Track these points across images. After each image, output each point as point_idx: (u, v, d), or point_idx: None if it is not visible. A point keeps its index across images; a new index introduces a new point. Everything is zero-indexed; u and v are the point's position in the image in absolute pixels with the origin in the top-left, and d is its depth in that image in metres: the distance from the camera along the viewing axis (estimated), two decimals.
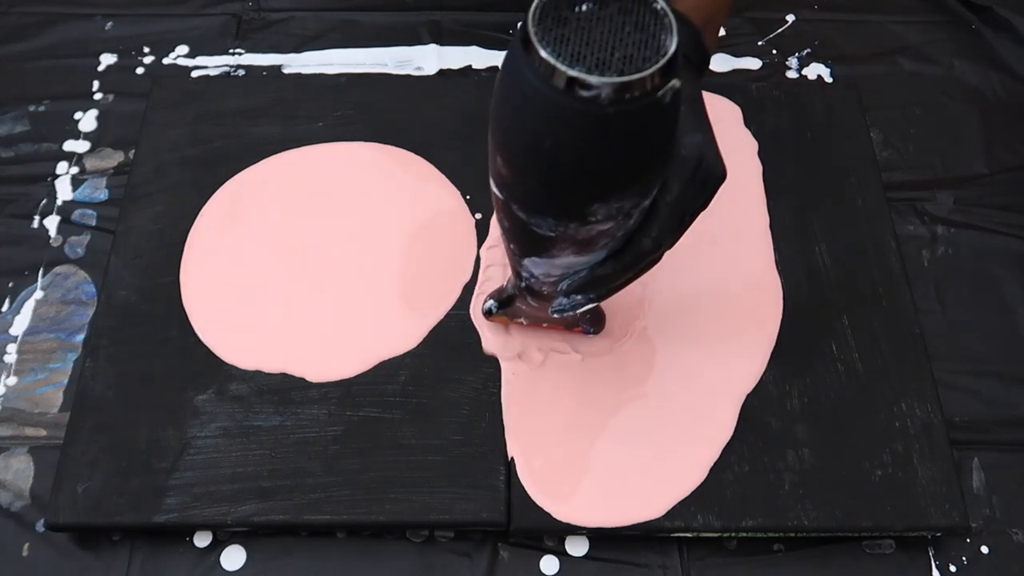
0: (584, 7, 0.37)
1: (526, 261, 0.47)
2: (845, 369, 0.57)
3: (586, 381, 0.56)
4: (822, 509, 0.53)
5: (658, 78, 0.36)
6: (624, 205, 0.41)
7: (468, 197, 0.64)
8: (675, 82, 0.37)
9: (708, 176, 0.44)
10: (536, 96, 0.37)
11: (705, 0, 0.47)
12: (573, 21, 0.37)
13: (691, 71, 0.46)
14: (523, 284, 0.51)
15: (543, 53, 0.36)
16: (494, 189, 0.43)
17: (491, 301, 0.56)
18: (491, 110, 0.40)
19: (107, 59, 0.74)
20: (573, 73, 0.35)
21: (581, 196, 0.40)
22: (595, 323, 0.58)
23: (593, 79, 0.35)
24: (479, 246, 0.62)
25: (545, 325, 0.58)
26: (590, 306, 0.49)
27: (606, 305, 0.57)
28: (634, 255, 0.45)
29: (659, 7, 0.37)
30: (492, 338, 0.58)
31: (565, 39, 0.36)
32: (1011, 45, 0.76)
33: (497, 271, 0.60)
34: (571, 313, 0.50)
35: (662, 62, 0.36)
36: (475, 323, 0.58)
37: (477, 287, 0.60)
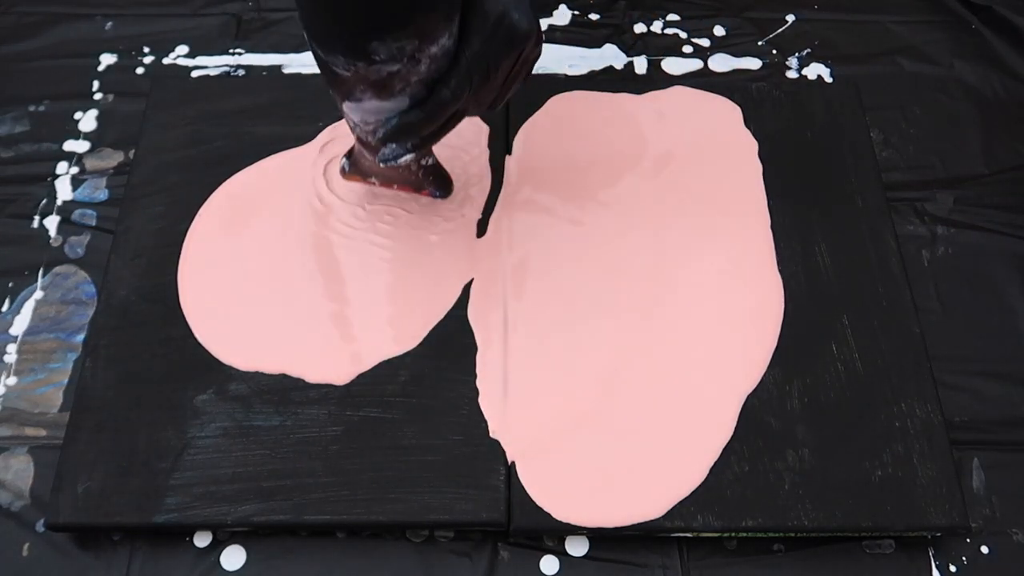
0: None
1: (344, 107, 0.51)
2: (845, 369, 0.57)
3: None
4: (822, 509, 0.53)
5: None
6: (404, 46, 0.44)
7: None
8: None
9: (512, 32, 0.47)
10: None
11: None
12: None
13: None
14: (355, 136, 0.54)
15: None
16: (305, 34, 0.47)
17: (344, 159, 0.59)
18: None
19: (107, 59, 0.74)
20: None
21: (357, 31, 0.44)
22: (441, 187, 0.62)
23: None
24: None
25: (396, 186, 0.61)
26: (409, 157, 0.52)
27: None
28: (435, 103, 0.48)
29: None
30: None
31: None
32: (1011, 45, 0.76)
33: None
34: (396, 164, 0.52)
35: None
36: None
37: (318, 154, 0.65)
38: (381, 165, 0.53)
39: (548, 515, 0.52)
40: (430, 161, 0.59)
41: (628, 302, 0.59)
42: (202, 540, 0.53)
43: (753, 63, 0.75)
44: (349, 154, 0.59)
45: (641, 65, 0.74)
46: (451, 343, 0.58)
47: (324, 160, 0.65)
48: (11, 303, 0.61)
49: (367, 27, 0.44)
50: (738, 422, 0.55)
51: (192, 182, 0.64)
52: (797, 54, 0.76)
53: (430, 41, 0.45)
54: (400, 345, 0.58)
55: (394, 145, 0.51)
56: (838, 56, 0.75)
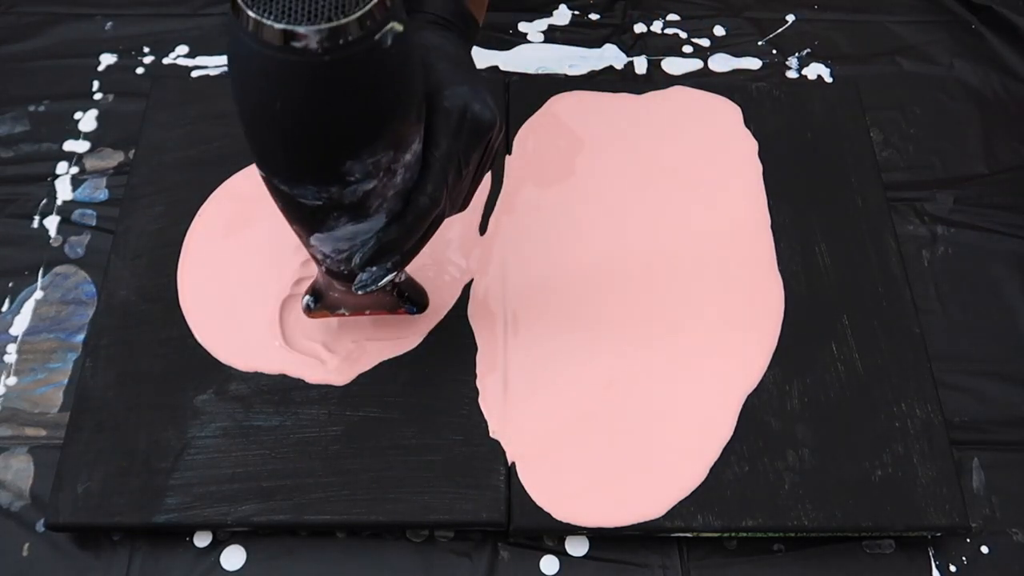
0: None
1: (313, 240, 0.47)
2: (845, 369, 0.57)
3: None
4: (822, 509, 0.53)
5: (373, 19, 0.36)
6: (380, 160, 0.41)
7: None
8: (394, 24, 0.37)
9: (477, 125, 0.45)
10: (254, 58, 0.37)
11: None
12: None
13: (455, 34, 0.49)
14: (324, 269, 0.51)
15: (250, 13, 0.36)
16: (257, 170, 0.43)
17: (307, 297, 0.56)
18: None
19: (107, 59, 0.74)
20: (280, 26, 0.35)
21: (328, 154, 0.40)
22: (417, 302, 0.57)
23: (301, 29, 0.36)
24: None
25: (368, 312, 0.57)
26: (390, 277, 0.48)
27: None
28: (415, 215, 0.45)
29: None
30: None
31: None
32: (1011, 45, 0.76)
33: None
34: (375, 288, 0.48)
35: (372, 3, 0.36)
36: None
37: (289, 288, 0.60)
38: (359, 293, 0.48)
39: (548, 515, 0.52)
40: (403, 278, 0.55)
41: (628, 302, 0.59)
42: (202, 540, 0.53)
43: (753, 63, 0.75)
44: (311, 291, 0.55)
45: (641, 65, 0.74)
46: (451, 343, 0.58)
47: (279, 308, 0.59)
48: (11, 303, 0.61)
49: (339, 147, 0.40)
50: (738, 422, 0.55)
51: (192, 182, 0.64)
52: (797, 54, 0.76)
53: (404, 149, 0.42)
54: (400, 345, 0.58)
55: (374, 268, 0.47)
56: (838, 56, 0.75)
